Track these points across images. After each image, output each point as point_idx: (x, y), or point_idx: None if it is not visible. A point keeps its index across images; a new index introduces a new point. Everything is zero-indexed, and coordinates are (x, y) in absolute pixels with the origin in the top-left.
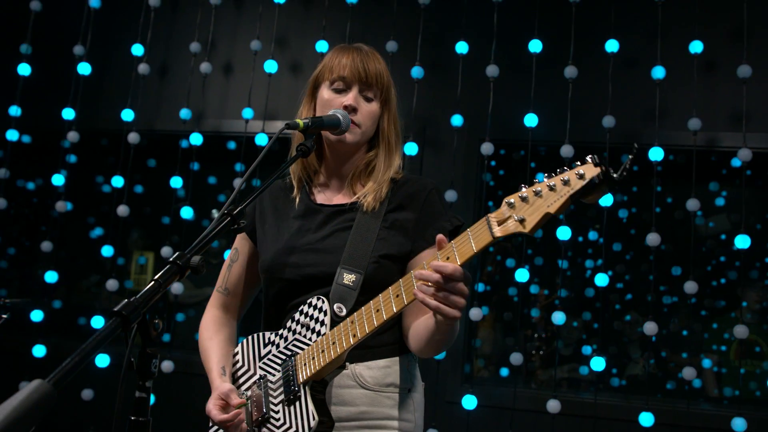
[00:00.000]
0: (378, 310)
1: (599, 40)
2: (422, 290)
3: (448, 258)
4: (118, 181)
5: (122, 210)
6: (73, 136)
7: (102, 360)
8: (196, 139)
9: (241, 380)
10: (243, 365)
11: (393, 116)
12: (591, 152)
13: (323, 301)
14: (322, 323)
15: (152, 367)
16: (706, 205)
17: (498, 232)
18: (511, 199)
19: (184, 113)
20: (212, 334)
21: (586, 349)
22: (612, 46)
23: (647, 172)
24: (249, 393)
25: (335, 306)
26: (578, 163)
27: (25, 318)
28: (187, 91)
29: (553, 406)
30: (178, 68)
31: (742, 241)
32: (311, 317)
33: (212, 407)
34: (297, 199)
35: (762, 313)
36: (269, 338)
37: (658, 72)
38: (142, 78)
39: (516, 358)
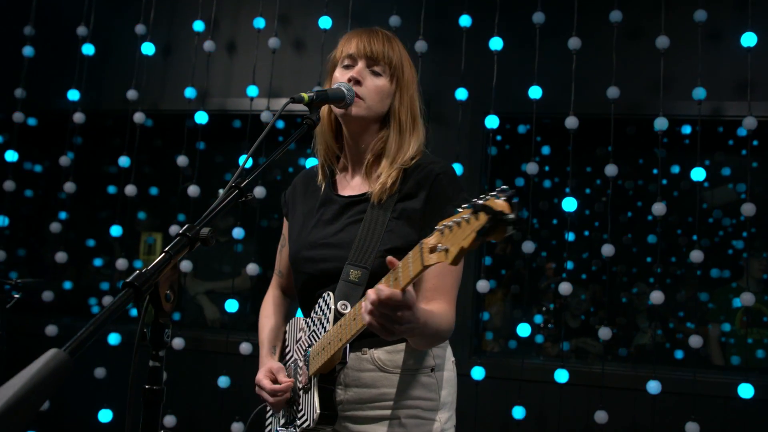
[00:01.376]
0: (355, 319)
1: (603, 10)
2: (363, 306)
3: (395, 279)
4: (124, 162)
5: (130, 190)
6: (78, 117)
7: (113, 338)
8: (201, 117)
9: (286, 359)
10: (287, 346)
11: (409, 97)
12: (596, 123)
13: (330, 297)
14: (328, 319)
15: (165, 337)
16: (712, 176)
17: (427, 260)
18: (441, 225)
19: (189, 92)
20: (270, 313)
21: (593, 322)
22: (616, 16)
23: (653, 142)
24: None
25: (339, 303)
26: (492, 194)
27: (36, 298)
28: (191, 71)
29: (560, 375)
30: (182, 47)
31: (749, 210)
32: (323, 311)
33: (263, 377)
34: (322, 188)
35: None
36: (302, 325)
37: (663, 42)
38: (146, 58)
39: (524, 329)
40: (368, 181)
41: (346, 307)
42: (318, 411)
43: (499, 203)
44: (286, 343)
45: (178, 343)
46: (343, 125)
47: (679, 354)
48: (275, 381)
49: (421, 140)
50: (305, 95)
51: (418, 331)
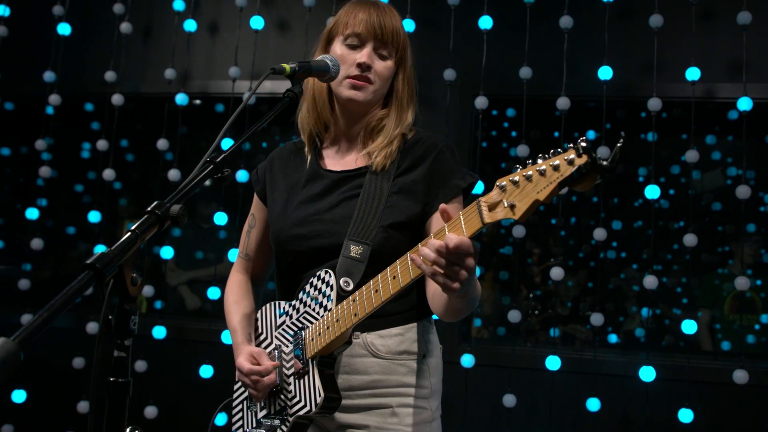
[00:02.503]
0: (377, 291)
1: None
2: (423, 254)
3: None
4: (103, 145)
5: (108, 174)
6: (54, 99)
7: (94, 327)
8: (182, 100)
9: (261, 347)
10: (262, 333)
11: (408, 76)
12: (587, 105)
13: (330, 275)
14: (329, 298)
15: (131, 324)
16: (703, 159)
17: (488, 218)
18: (503, 182)
19: (169, 74)
20: (238, 299)
21: (583, 308)
22: None
23: (645, 125)
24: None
25: (342, 280)
26: (570, 145)
27: (12, 287)
28: (171, 52)
29: (552, 363)
30: (162, 27)
31: (744, 192)
32: (319, 290)
33: (243, 360)
34: (306, 163)
35: (755, 267)
36: (284, 308)
37: (656, 20)
38: (124, 38)
39: (514, 316)
40: (358, 156)
41: (348, 284)
42: (323, 394)
43: (580, 158)
44: (260, 330)
45: (159, 332)
46: (341, 105)
47: (669, 340)
48: (257, 365)
49: (415, 112)
50: (287, 66)
51: (474, 287)
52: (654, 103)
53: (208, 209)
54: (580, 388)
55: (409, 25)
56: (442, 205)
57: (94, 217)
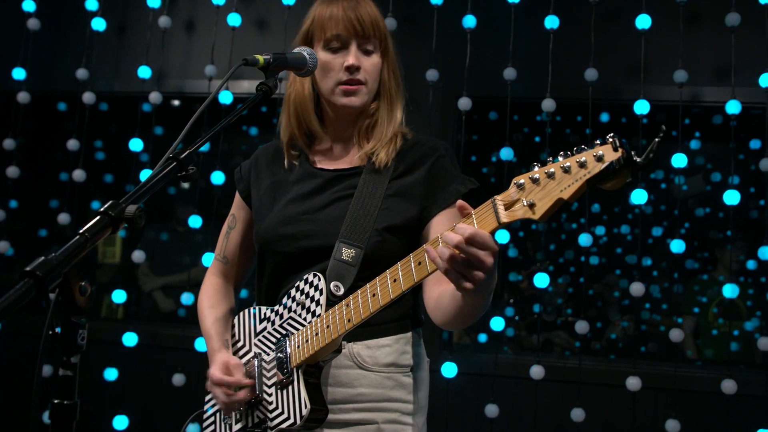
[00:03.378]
0: (374, 295)
1: None
2: (438, 251)
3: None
4: (73, 145)
5: (78, 175)
6: (23, 96)
7: (129, 338)
8: (156, 99)
9: (238, 355)
10: (239, 340)
11: (392, 66)
12: (573, 107)
13: (319, 279)
14: (318, 303)
15: (79, 339)
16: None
17: (504, 217)
18: (521, 179)
19: (144, 72)
20: (214, 303)
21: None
22: None
23: (631, 128)
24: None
25: (332, 284)
26: (597, 142)
27: None
28: (146, 49)
29: (536, 371)
30: (137, 24)
31: (731, 197)
32: (307, 295)
33: (215, 369)
34: (296, 162)
35: (739, 273)
36: (265, 313)
37: (643, 22)
38: (97, 35)
39: (497, 323)
40: (357, 156)
41: (339, 288)
42: (309, 405)
43: (614, 153)
44: (237, 337)
45: (131, 338)
46: (335, 110)
47: (652, 347)
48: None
49: (404, 104)
50: (260, 57)
51: (490, 290)
52: (641, 106)
53: (185, 212)
54: (565, 397)
55: (390, 24)
56: (460, 201)
57: (64, 219)
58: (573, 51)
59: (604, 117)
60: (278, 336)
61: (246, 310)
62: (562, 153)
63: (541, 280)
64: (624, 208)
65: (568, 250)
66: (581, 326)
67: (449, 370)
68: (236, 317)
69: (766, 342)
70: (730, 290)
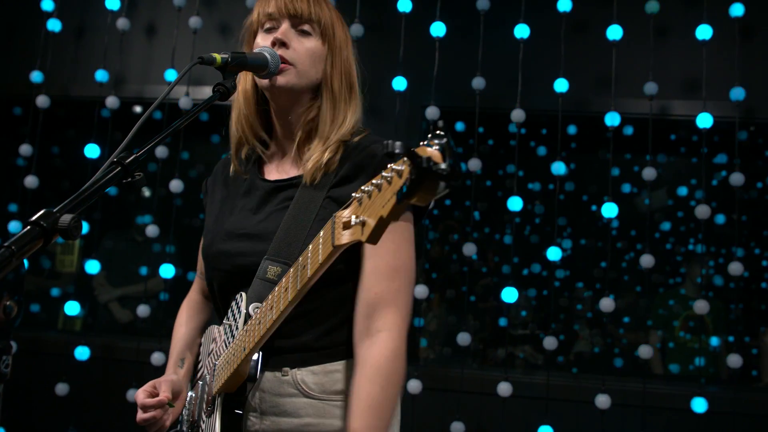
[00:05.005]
0: (260, 322)
1: None
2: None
3: (303, 268)
4: (26, 150)
5: (30, 181)
6: None
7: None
8: (113, 102)
9: (198, 375)
10: (201, 360)
11: (342, 60)
12: (537, 118)
13: (242, 299)
14: (238, 326)
15: (2, 366)
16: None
17: (337, 239)
18: (360, 192)
19: (101, 75)
20: (184, 320)
21: (533, 328)
22: (564, 5)
23: (597, 141)
24: (192, 393)
25: (251, 306)
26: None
27: None
28: (104, 53)
29: (504, 389)
30: (94, 26)
31: (704, 212)
32: (233, 318)
33: (140, 391)
34: (245, 173)
35: (706, 288)
36: (216, 332)
37: (614, 33)
38: (52, 36)
39: (463, 338)
40: (299, 164)
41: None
42: None
43: (429, 151)
44: (200, 357)
45: (82, 352)
46: (270, 99)
47: (618, 362)
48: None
49: (358, 112)
50: (218, 56)
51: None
52: (612, 117)
53: (143, 220)
54: (532, 413)
55: (357, 30)
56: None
57: (15, 227)
58: (543, 61)
59: (572, 129)
60: (215, 359)
61: (210, 327)
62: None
63: (510, 294)
64: (589, 220)
65: (535, 263)
66: (549, 342)
67: (414, 386)
68: (204, 334)
69: (736, 359)
70: (701, 306)
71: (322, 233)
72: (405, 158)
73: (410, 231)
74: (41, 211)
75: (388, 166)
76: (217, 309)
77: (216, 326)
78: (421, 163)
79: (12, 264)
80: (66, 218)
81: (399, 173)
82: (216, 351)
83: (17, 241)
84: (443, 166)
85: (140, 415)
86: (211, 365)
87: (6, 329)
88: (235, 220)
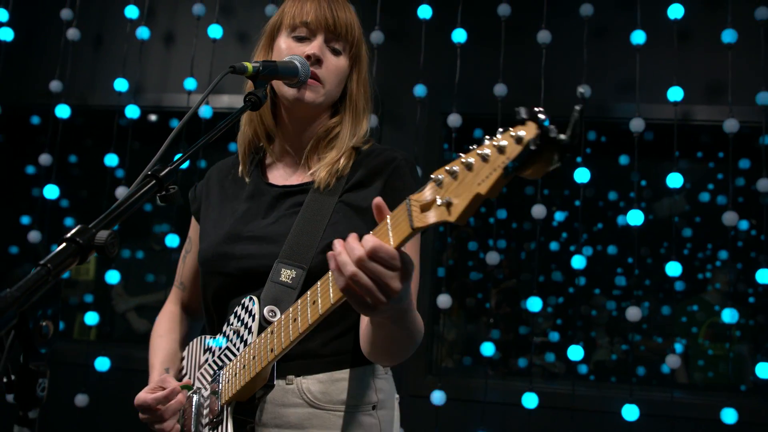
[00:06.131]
0: (295, 320)
1: (573, 3)
2: (339, 262)
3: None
4: (46, 160)
5: (50, 190)
6: None
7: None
8: (132, 112)
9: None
10: (187, 373)
11: (363, 78)
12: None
13: (254, 302)
14: (250, 330)
15: (39, 390)
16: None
17: (417, 221)
18: (440, 174)
19: (120, 85)
20: (164, 332)
21: (553, 336)
22: (586, 10)
23: (622, 147)
24: (187, 406)
25: (266, 310)
26: (522, 117)
27: None
28: (123, 62)
29: (529, 399)
30: (113, 35)
31: (731, 219)
32: (242, 322)
33: (143, 393)
34: (247, 178)
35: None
36: (207, 343)
37: (637, 37)
38: (72, 45)
39: (487, 348)
40: (308, 170)
41: (275, 314)
42: None
43: (531, 128)
44: (185, 370)
45: (103, 363)
46: (286, 109)
47: (640, 371)
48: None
49: (369, 124)
50: (249, 65)
51: (401, 317)
52: (636, 124)
53: (161, 229)
54: (557, 424)
55: (378, 37)
56: (377, 199)
57: (34, 237)
58: (565, 67)
59: (591, 135)
60: (215, 368)
61: (196, 339)
62: (487, 136)
63: (534, 304)
64: (607, 227)
65: (555, 271)
66: (574, 351)
67: (438, 398)
68: (187, 347)
69: (765, 368)
70: (728, 315)
71: (389, 219)
72: (531, 122)
73: (418, 238)
74: (76, 227)
75: (490, 138)
76: (209, 316)
77: (207, 336)
78: (548, 132)
79: (49, 283)
80: (102, 235)
81: (519, 139)
82: (213, 362)
83: (53, 259)
84: (565, 137)
85: (153, 413)
86: (207, 378)
87: (42, 350)
88: (240, 223)
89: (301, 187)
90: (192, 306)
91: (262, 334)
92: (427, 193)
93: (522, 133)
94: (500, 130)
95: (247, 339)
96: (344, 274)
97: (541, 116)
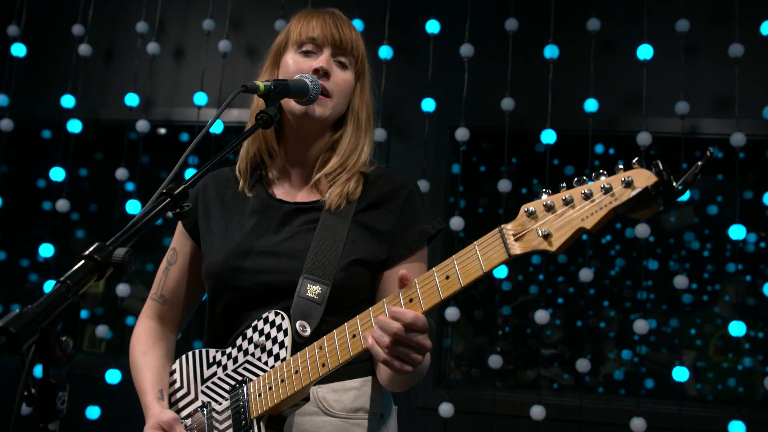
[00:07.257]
0: (354, 336)
1: (580, 18)
2: (375, 337)
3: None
4: (57, 174)
5: (62, 205)
6: (6, 124)
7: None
8: (143, 127)
9: (180, 405)
10: (182, 387)
11: (366, 95)
12: (574, 137)
13: (283, 318)
14: (282, 345)
15: (59, 403)
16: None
17: (516, 248)
18: (531, 206)
19: (131, 99)
20: (146, 349)
21: (561, 348)
22: (593, 24)
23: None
24: (189, 422)
25: (297, 324)
26: (620, 166)
27: None
28: (133, 76)
29: (537, 412)
30: (124, 50)
31: (737, 232)
32: (267, 336)
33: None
34: (250, 192)
35: (740, 308)
36: (214, 357)
37: (644, 52)
38: (83, 61)
39: (495, 360)
40: (316, 187)
41: (306, 328)
42: None
43: (649, 176)
44: (179, 384)
45: (113, 375)
46: (292, 125)
47: (649, 383)
48: None
49: (372, 142)
50: (261, 84)
51: (425, 364)
52: (644, 138)
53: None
54: None
55: (386, 52)
56: (402, 272)
57: (45, 250)
58: (572, 81)
59: (599, 148)
60: (232, 383)
61: (190, 353)
62: (576, 179)
63: (542, 317)
64: (615, 239)
65: (562, 283)
66: (582, 364)
67: (446, 410)
68: (178, 361)
69: None
70: (736, 328)
71: (477, 246)
72: (662, 171)
73: (426, 253)
74: (94, 245)
75: (609, 176)
76: (213, 330)
77: (211, 350)
78: (668, 181)
79: (68, 300)
80: (120, 252)
81: (628, 184)
82: (224, 376)
83: (72, 276)
84: (678, 185)
85: None
86: (219, 392)
87: (62, 365)
88: (250, 237)
89: (312, 205)
90: (172, 319)
91: (306, 349)
92: (522, 222)
93: (630, 177)
94: (602, 171)
95: (279, 353)
96: (384, 348)
97: (660, 167)
